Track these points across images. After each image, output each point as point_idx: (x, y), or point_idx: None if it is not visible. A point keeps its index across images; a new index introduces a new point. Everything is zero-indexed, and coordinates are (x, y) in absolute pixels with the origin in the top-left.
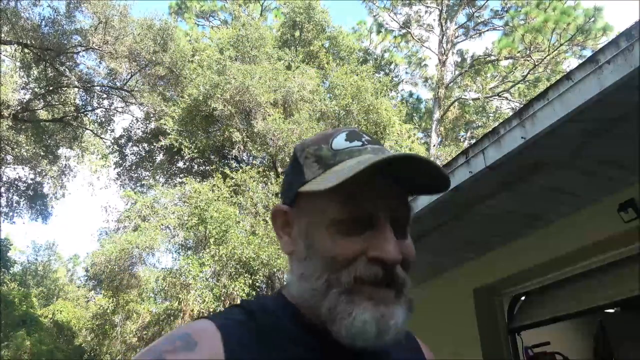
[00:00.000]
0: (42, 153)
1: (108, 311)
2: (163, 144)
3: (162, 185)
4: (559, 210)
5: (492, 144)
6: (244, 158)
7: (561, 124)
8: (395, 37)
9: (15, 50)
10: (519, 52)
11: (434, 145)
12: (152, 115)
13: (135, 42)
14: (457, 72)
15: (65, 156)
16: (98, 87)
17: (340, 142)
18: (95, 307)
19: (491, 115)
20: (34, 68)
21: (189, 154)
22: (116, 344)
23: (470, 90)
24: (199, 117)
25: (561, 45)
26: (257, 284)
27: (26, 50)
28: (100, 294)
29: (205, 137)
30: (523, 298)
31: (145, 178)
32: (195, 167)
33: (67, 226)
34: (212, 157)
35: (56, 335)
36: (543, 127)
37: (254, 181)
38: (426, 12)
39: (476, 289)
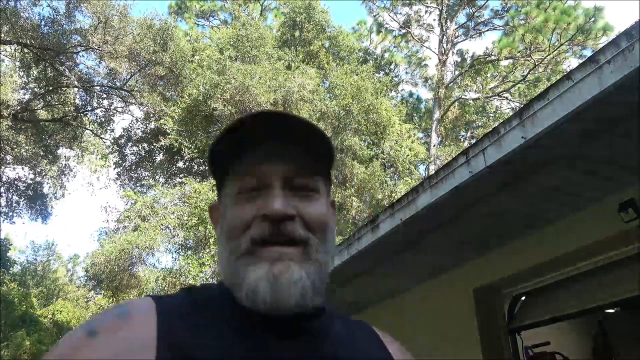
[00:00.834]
0: (41, 153)
1: None
2: (163, 144)
3: (162, 185)
4: (559, 210)
5: (492, 144)
6: None
7: (561, 124)
8: (395, 37)
9: (15, 50)
10: (519, 52)
11: (434, 145)
12: (152, 115)
13: (135, 42)
14: (457, 72)
15: (65, 156)
16: (98, 87)
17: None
18: (95, 307)
19: (491, 115)
20: (33, 68)
21: (189, 154)
22: None
23: (470, 90)
24: (199, 117)
25: (561, 45)
26: None
27: (26, 50)
28: (100, 294)
29: (205, 137)
30: (523, 298)
31: (145, 178)
32: (195, 167)
33: (67, 226)
34: None
35: (56, 335)
36: (543, 127)
37: None
38: (426, 12)
39: (476, 289)
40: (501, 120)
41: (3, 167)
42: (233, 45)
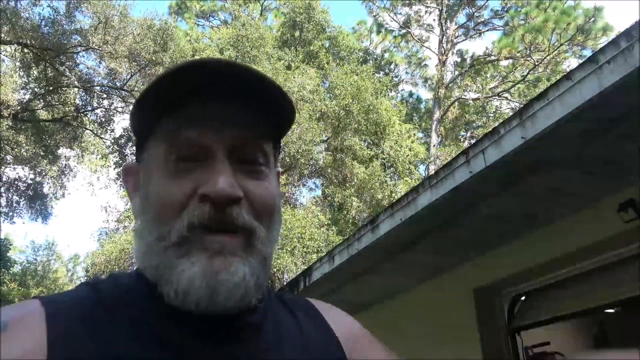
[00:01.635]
0: (42, 153)
1: None
2: None
3: None
4: (559, 210)
5: (492, 144)
6: None
7: (561, 124)
8: (395, 37)
9: (15, 50)
10: (519, 52)
11: (434, 145)
12: None
13: (135, 42)
14: (457, 72)
15: (65, 156)
16: (98, 87)
17: None
18: None
19: (491, 115)
20: (33, 68)
21: None
22: None
23: (470, 90)
24: None
25: (561, 45)
26: None
27: (26, 50)
28: None
29: None
30: (523, 298)
31: None
32: None
33: (67, 226)
34: None
35: None
36: (543, 127)
37: None
38: (426, 12)
39: (476, 289)
40: (501, 120)
41: (3, 167)
42: (233, 45)
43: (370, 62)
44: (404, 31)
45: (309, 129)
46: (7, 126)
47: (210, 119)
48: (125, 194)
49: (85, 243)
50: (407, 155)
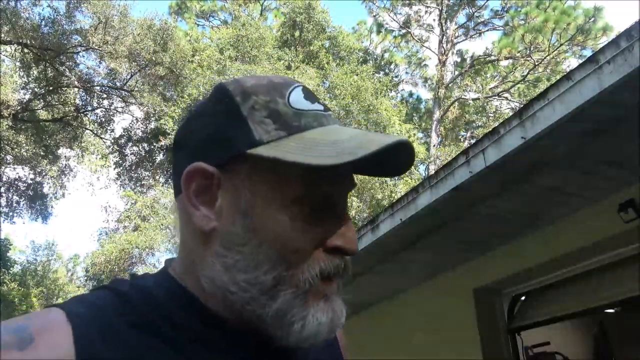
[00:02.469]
0: (42, 153)
1: None
2: (163, 144)
3: (162, 185)
4: (559, 210)
5: (492, 144)
6: None
7: (561, 124)
8: (395, 37)
9: (15, 50)
10: (519, 52)
11: (434, 145)
12: (152, 115)
13: (135, 42)
14: (457, 72)
15: (65, 156)
16: (98, 87)
17: (299, 99)
18: None
19: (491, 115)
20: (34, 68)
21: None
22: None
23: (470, 90)
24: None
25: (561, 45)
26: None
27: (26, 50)
28: None
29: None
30: (523, 298)
31: (145, 178)
32: None
33: (67, 226)
34: None
35: None
36: (543, 127)
37: None
38: (426, 12)
39: (476, 289)
40: (501, 120)
41: (3, 167)
42: (233, 45)
43: (370, 62)
44: (404, 31)
45: None
46: (7, 126)
47: (346, 174)
48: (126, 195)
49: (85, 243)
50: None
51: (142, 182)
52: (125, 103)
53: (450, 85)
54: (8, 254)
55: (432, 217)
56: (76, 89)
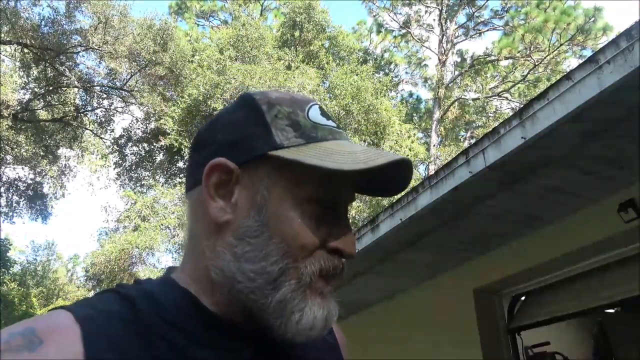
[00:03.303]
0: (42, 153)
1: None
2: (163, 144)
3: (162, 185)
4: (559, 210)
5: (492, 144)
6: None
7: (561, 124)
8: (395, 37)
9: (15, 50)
10: (519, 52)
11: (434, 145)
12: (152, 115)
13: (135, 42)
14: (457, 72)
15: (65, 156)
16: (98, 87)
17: (316, 115)
18: None
19: (491, 115)
20: (33, 68)
21: (189, 154)
22: None
23: (470, 90)
24: (199, 117)
25: (561, 45)
26: None
27: (26, 50)
28: None
29: None
30: (523, 298)
31: (145, 178)
32: None
33: (67, 226)
34: None
35: None
36: (543, 127)
37: None
38: (426, 12)
39: (476, 289)
40: (501, 120)
41: (3, 167)
42: (233, 45)
43: (370, 62)
44: (404, 31)
45: None
46: (7, 126)
47: (350, 180)
48: (126, 195)
49: (85, 243)
50: (407, 155)
51: (142, 182)
52: (125, 103)
53: (450, 85)
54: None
55: (432, 217)
56: (76, 89)
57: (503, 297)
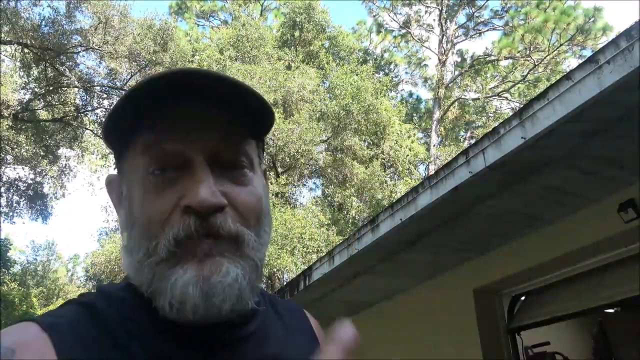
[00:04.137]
0: (42, 153)
1: None
2: None
3: None
4: (559, 210)
5: (492, 144)
6: None
7: (561, 124)
8: (395, 37)
9: (15, 50)
10: (519, 52)
11: (434, 145)
12: None
13: (135, 42)
14: (457, 72)
15: (65, 156)
16: (98, 87)
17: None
18: None
19: (491, 115)
20: (34, 68)
21: None
22: None
23: (470, 90)
24: None
25: (561, 45)
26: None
27: (26, 50)
28: None
29: None
30: (523, 298)
31: None
32: None
33: (67, 226)
34: None
35: None
36: (543, 127)
37: None
38: (426, 12)
39: (476, 289)
40: (501, 120)
41: (3, 167)
42: (233, 45)
43: (370, 62)
44: (403, 31)
45: (309, 129)
46: (7, 126)
47: (187, 127)
48: None
49: (85, 243)
50: (407, 155)
51: None
52: None
53: (450, 85)
54: (8, 254)
55: (432, 217)
56: (76, 89)
57: (503, 297)
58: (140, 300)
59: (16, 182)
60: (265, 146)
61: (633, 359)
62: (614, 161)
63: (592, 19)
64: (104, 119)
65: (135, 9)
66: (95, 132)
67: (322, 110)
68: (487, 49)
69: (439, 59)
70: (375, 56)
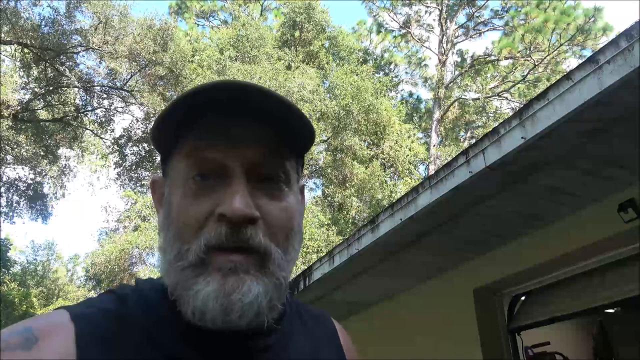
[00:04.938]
0: (42, 153)
1: None
2: None
3: None
4: (559, 210)
5: (492, 144)
6: None
7: (561, 124)
8: (395, 37)
9: (15, 50)
10: (519, 52)
11: (434, 145)
12: (152, 115)
13: (135, 42)
14: (457, 72)
15: (65, 156)
16: (98, 87)
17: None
18: None
19: (491, 115)
20: (34, 68)
21: None
22: None
23: (470, 90)
24: None
25: (561, 45)
26: None
27: (26, 50)
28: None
29: None
30: (523, 298)
31: (146, 178)
32: None
33: (67, 226)
34: None
35: None
36: (543, 127)
37: None
38: (426, 12)
39: (476, 289)
40: (501, 120)
41: (3, 167)
42: (233, 45)
43: (370, 62)
44: (403, 31)
45: None
46: (7, 126)
47: (230, 137)
48: (126, 195)
49: (85, 243)
50: (407, 155)
51: (142, 182)
52: (125, 103)
53: (450, 85)
54: (8, 254)
55: (432, 217)
56: (76, 89)
57: (503, 297)
58: (169, 302)
59: (16, 182)
60: (304, 163)
61: (633, 359)
62: (614, 161)
63: (592, 19)
64: (154, 120)
65: (135, 9)
66: (95, 132)
67: (322, 110)
68: (487, 49)
69: (439, 59)
70: (375, 56)
